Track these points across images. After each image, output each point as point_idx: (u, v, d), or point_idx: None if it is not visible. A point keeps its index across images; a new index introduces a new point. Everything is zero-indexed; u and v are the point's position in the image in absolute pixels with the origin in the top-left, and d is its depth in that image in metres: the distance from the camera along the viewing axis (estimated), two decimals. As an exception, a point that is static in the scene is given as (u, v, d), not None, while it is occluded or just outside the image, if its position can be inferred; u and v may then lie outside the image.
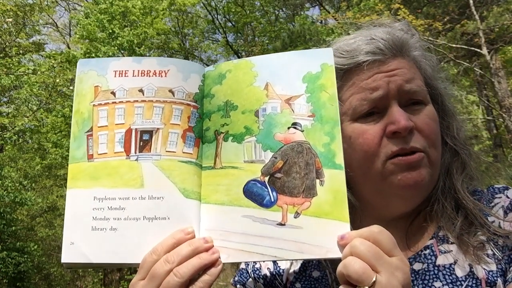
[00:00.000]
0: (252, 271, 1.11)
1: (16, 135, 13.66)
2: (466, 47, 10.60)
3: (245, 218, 0.80)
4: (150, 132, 0.86)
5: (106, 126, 0.87)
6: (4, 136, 13.12)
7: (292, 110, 0.84)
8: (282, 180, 0.80)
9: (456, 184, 0.94)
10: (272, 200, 0.79)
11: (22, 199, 12.19)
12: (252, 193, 0.81)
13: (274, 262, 1.08)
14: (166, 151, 0.85)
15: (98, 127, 0.87)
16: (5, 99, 14.94)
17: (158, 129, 0.86)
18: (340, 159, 0.79)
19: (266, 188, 0.81)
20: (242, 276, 1.13)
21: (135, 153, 0.85)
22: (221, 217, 0.82)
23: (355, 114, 0.93)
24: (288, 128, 0.83)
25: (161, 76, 0.88)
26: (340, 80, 0.96)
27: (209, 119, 0.88)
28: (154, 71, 0.88)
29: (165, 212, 0.81)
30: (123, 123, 0.86)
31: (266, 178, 0.81)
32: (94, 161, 0.85)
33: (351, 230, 0.75)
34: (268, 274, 1.08)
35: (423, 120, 0.92)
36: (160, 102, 0.87)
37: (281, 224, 0.78)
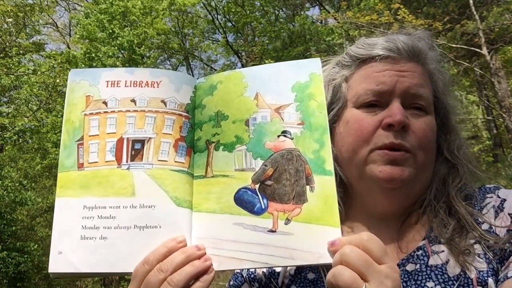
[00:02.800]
0: (247, 275, 1.11)
1: (16, 135, 13.67)
2: (466, 47, 10.59)
3: (236, 226, 0.81)
4: (142, 142, 0.86)
5: (98, 135, 0.87)
6: (4, 136, 13.14)
7: (282, 118, 0.85)
8: (273, 187, 0.81)
9: (450, 191, 0.96)
10: (263, 207, 0.80)
11: (22, 199, 12.22)
12: (243, 200, 0.82)
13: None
14: (158, 160, 0.85)
15: (89, 136, 0.87)
16: (5, 99, 14.95)
17: (150, 138, 0.86)
18: (329, 165, 0.80)
19: (257, 195, 0.81)
20: (237, 280, 1.13)
21: (127, 162, 0.85)
22: (212, 225, 0.82)
23: (358, 102, 0.97)
24: (278, 136, 0.84)
25: (153, 87, 0.89)
26: (355, 68, 1.01)
27: (201, 129, 0.89)
28: (147, 81, 0.89)
29: (157, 220, 0.81)
30: (115, 132, 0.87)
31: (257, 186, 0.82)
32: (85, 170, 0.85)
33: (342, 235, 0.75)
34: (263, 277, 1.09)
35: (420, 125, 0.94)
36: (152, 112, 0.88)
37: (272, 231, 0.79)
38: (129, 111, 0.88)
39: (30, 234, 15.56)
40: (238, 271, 1.14)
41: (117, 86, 0.89)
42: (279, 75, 0.88)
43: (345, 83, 1.01)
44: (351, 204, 1.02)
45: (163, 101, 0.88)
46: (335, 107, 1.01)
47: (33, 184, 14.76)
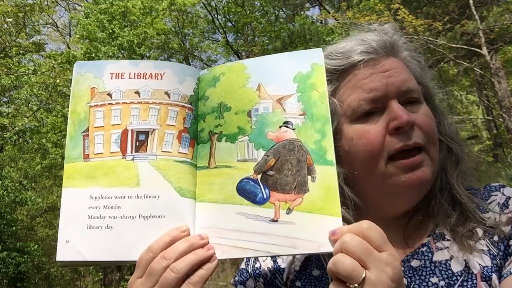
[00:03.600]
0: (252, 270, 1.12)
1: (16, 135, 13.68)
2: (466, 47, 10.60)
3: (239, 215, 0.82)
4: (146, 133, 0.87)
5: (102, 126, 0.88)
6: (4, 136, 13.14)
7: (284, 109, 0.85)
8: (274, 178, 0.82)
9: (451, 180, 0.96)
10: (265, 197, 0.81)
11: (22, 199, 12.22)
12: (245, 190, 0.83)
13: (274, 260, 1.09)
14: (162, 151, 0.86)
15: (94, 127, 0.88)
16: (5, 99, 14.96)
17: (154, 129, 0.87)
18: (331, 156, 0.80)
19: (259, 185, 0.82)
20: (242, 275, 1.14)
21: (131, 153, 0.86)
22: (215, 215, 0.83)
23: (354, 115, 0.95)
24: (280, 127, 0.84)
25: (157, 79, 0.90)
26: (337, 80, 0.98)
27: (204, 120, 0.90)
28: (150, 73, 0.90)
29: (161, 210, 0.82)
30: (119, 124, 0.88)
31: (259, 176, 0.83)
32: (90, 161, 0.86)
33: (343, 225, 0.76)
34: (268, 273, 1.09)
35: (422, 118, 0.93)
36: (156, 103, 0.89)
37: (274, 221, 0.79)
38: (133, 102, 0.89)
39: (30, 234, 15.55)
40: (244, 267, 1.15)
41: (121, 78, 0.90)
42: (281, 66, 0.89)
43: (333, 98, 0.97)
44: (363, 209, 0.99)
45: (166, 93, 0.89)
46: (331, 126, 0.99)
47: (33, 184, 14.77)
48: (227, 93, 0.90)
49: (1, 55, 12.88)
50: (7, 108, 14.82)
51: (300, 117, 0.84)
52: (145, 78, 0.90)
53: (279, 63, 0.89)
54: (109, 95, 0.90)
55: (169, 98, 0.89)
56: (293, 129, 0.84)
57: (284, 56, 0.90)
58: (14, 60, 13.90)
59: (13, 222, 13.21)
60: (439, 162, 0.97)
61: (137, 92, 0.89)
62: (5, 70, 12.71)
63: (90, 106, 0.90)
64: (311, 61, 0.87)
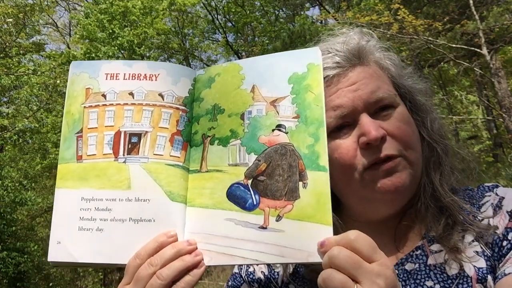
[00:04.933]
0: (246, 275, 1.10)
1: (16, 135, 13.68)
2: (466, 47, 10.58)
3: (228, 221, 0.80)
4: (138, 135, 0.87)
5: (96, 128, 0.88)
6: (4, 136, 13.14)
7: (277, 112, 0.83)
8: (265, 183, 0.80)
9: (434, 181, 0.94)
10: (255, 203, 0.79)
11: (22, 199, 12.23)
12: (235, 196, 0.81)
13: (269, 265, 1.08)
14: (154, 154, 0.85)
15: (88, 128, 0.88)
16: (5, 99, 14.96)
17: (146, 132, 0.87)
18: (324, 161, 0.78)
19: (249, 191, 0.80)
20: (235, 280, 1.12)
21: (123, 155, 0.86)
22: (204, 220, 0.82)
23: (326, 130, 0.94)
24: (273, 130, 0.82)
25: (152, 80, 0.89)
26: None
27: (198, 122, 0.89)
28: (145, 74, 0.90)
29: (151, 214, 0.82)
30: (113, 125, 0.87)
31: (249, 181, 0.81)
32: (83, 162, 0.86)
33: (334, 233, 0.74)
34: (262, 277, 1.08)
35: (394, 125, 0.91)
36: (150, 105, 0.88)
37: (263, 228, 0.78)
38: (127, 104, 0.88)
39: (30, 234, 15.55)
40: (237, 271, 1.13)
41: (116, 78, 0.90)
42: (277, 66, 0.86)
43: None
44: (345, 211, 1.00)
45: (160, 95, 0.88)
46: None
47: (33, 184, 14.76)
48: (221, 95, 0.88)
49: (1, 55, 12.89)
50: (7, 108, 14.83)
51: (294, 120, 0.82)
52: (139, 79, 0.89)
53: (274, 64, 0.87)
54: (104, 96, 0.89)
55: (163, 99, 0.88)
56: (286, 133, 0.81)
57: (280, 56, 0.88)
58: (14, 60, 13.92)
59: (13, 222, 13.21)
60: (423, 162, 0.95)
61: (131, 94, 0.89)
62: (5, 70, 12.72)
63: (85, 107, 0.89)
64: (307, 61, 0.84)
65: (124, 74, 0.90)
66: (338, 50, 0.95)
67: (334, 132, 0.92)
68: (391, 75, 0.99)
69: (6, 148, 15.98)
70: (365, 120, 0.90)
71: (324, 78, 0.90)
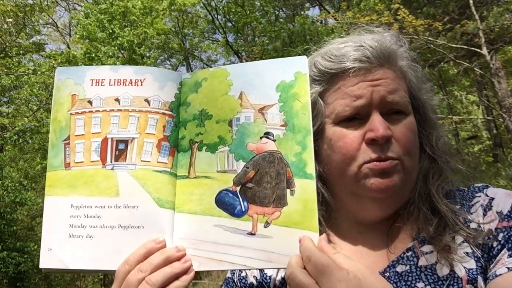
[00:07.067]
0: (238, 280, 1.11)
1: (16, 135, 13.70)
2: (466, 47, 10.58)
3: (217, 228, 0.81)
4: (125, 142, 0.86)
5: (83, 135, 0.88)
6: (4, 136, 13.15)
7: (265, 119, 0.84)
8: (253, 190, 0.81)
9: (431, 189, 0.96)
10: (243, 209, 0.80)
11: (22, 199, 12.25)
12: (223, 202, 0.82)
13: (261, 270, 1.09)
14: (141, 161, 0.85)
15: (75, 135, 0.88)
16: (5, 99, 14.98)
17: (133, 138, 0.87)
18: (311, 169, 0.79)
19: (238, 198, 0.81)
20: (228, 285, 1.13)
21: (111, 162, 0.86)
22: (193, 226, 0.83)
23: (337, 118, 0.95)
24: (261, 137, 0.83)
25: (137, 85, 0.89)
26: (326, 83, 0.98)
27: (185, 127, 0.89)
28: (130, 80, 0.89)
29: (140, 221, 0.82)
30: (99, 132, 0.87)
31: (238, 188, 0.82)
32: (71, 170, 0.86)
33: (319, 238, 0.76)
34: (254, 282, 1.08)
35: (401, 130, 0.94)
36: (136, 111, 0.88)
37: (251, 234, 0.79)
38: (113, 110, 0.88)
39: (30, 234, 15.58)
40: (230, 276, 1.14)
41: (101, 84, 0.90)
42: (264, 74, 0.87)
43: (320, 99, 0.98)
44: (337, 209, 1.01)
45: (146, 100, 0.88)
46: (314, 125, 0.98)
47: (33, 184, 14.80)
48: (208, 100, 0.89)
49: (1, 55, 12.91)
50: (7, 108, 14.85)
51: (282, 128, 0.83)
52: (125, 85, 0.89)
53: (262, 71, 0.88)
54: (90, 102, 0.89)
55: (149, 105, 0.88)
56: (274, 140, 0.83)
57: (267, 64, 0.88)
58: (14, 60, 13.92)
59: (13, 222, 13.24)
60: (422, 171, 0.98)
61: (117, 100, 0.88)
62: (5, 70, 12.73)
63: (71, 114, 0.89)
64: (294, 70, 0.86)
65: (110, 79, 0.90)
66: (371, 46, 0.97)
67: (345, 121, 0.95)
68: (411, 85, 1.01)
69: (6, 148, 16.00)
70: (377, 117, 0.92)
71: (350, 68, 0.94)
